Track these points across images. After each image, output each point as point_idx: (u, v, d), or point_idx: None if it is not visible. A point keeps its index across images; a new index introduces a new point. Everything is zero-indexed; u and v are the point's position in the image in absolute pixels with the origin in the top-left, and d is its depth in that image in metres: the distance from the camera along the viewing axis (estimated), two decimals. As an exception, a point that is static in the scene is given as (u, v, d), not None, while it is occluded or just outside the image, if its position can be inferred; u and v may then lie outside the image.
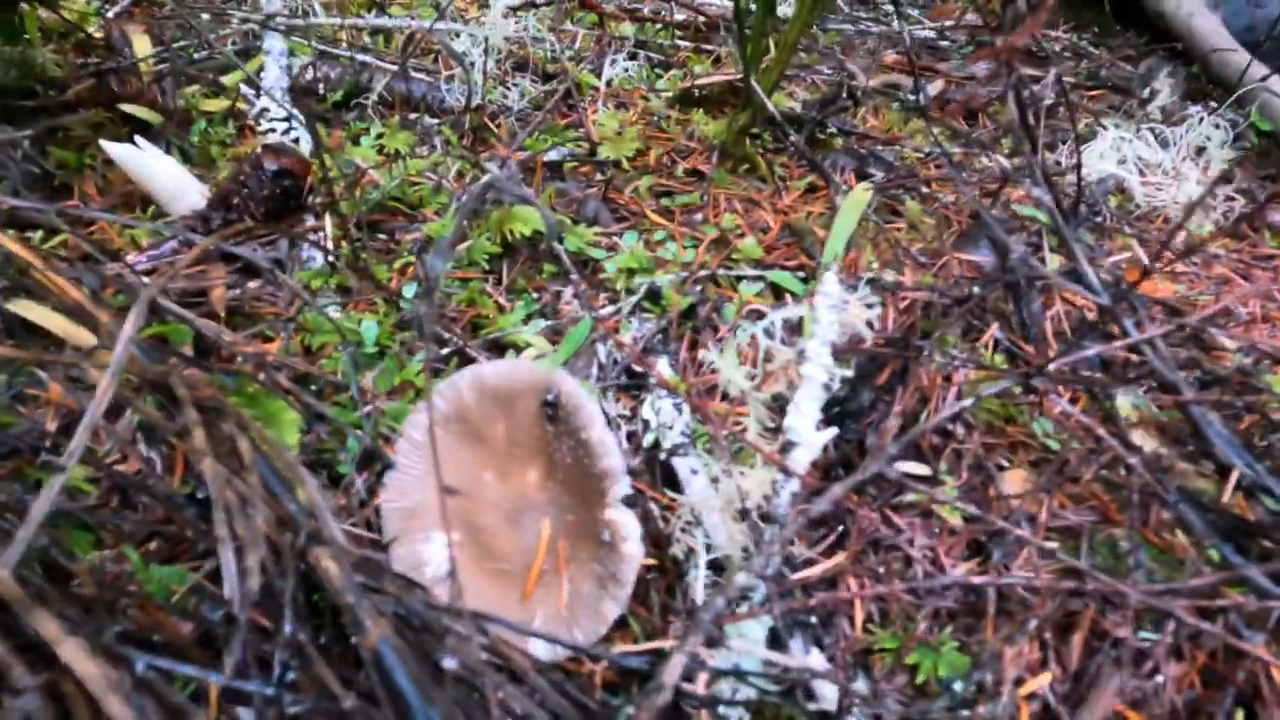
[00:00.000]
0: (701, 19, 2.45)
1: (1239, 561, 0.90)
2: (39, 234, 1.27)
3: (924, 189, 1.90)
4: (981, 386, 1.07)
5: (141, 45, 1.59)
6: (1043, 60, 2.91)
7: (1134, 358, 1.29)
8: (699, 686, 0.85)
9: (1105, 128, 2.09)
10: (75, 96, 1.49)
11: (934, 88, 2.45)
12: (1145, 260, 1.67)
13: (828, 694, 0.87)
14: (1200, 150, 2.02)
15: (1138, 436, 1.25)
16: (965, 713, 0.91)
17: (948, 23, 2.92)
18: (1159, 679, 0.94)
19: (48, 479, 1.03)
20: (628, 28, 2.32)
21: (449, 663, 0.62)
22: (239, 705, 0.83)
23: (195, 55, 1.63)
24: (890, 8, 3.16)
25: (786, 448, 0.92)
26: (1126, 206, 1.96)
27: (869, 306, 0.94)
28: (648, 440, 1.18)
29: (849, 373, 0.95)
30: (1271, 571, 0.88)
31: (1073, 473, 1.19)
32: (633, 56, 2.20)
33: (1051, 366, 0.93)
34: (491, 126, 1.73)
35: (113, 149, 1.28)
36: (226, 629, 0.84)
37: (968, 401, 0.95)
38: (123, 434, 1.09)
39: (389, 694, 0.67)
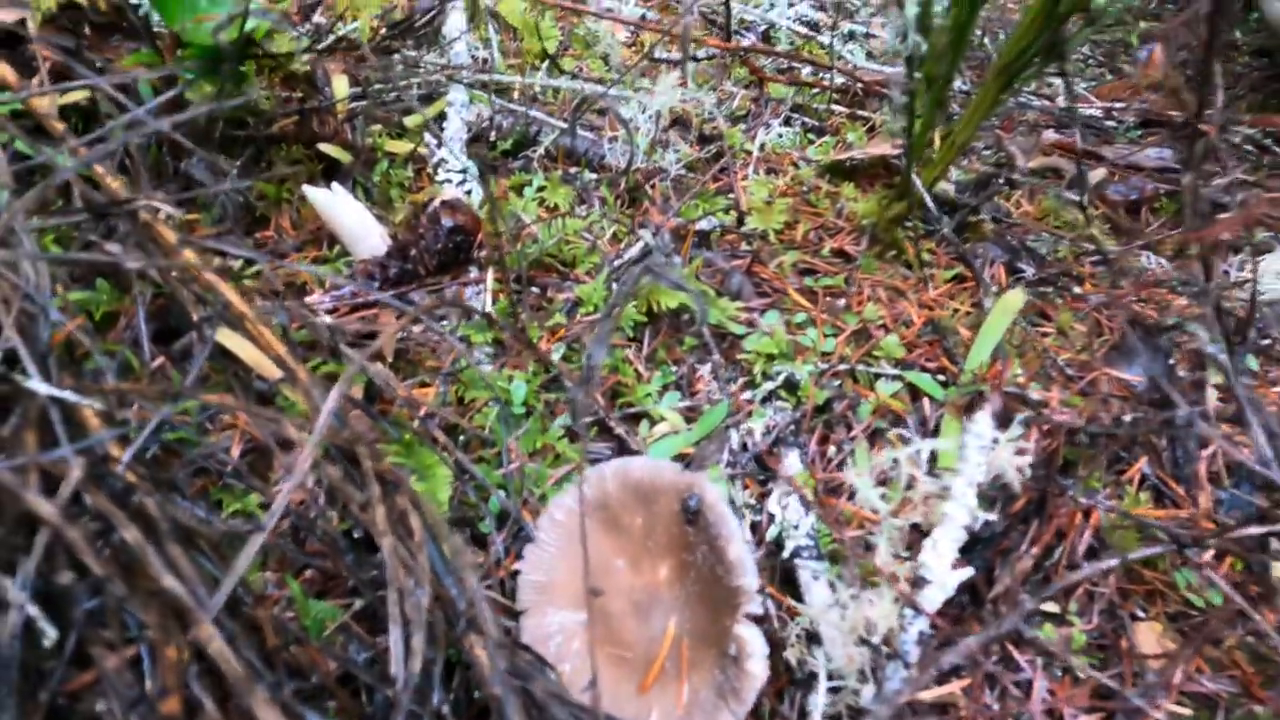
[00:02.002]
0: (859, 84, 2.44)
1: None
2: (239, 262, 1.40)
3: (1077, 289, 1.84)
4: (1128, 542, 1.03)
5: (340, 85, 1.73)
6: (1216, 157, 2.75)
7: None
8: (805, 813, 0.86)
9: (1285, 243, 1.97)
10: (280, 130, 1.63)
11: (1096, 175, 2.36)
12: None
13: (933, 842, 0.87)
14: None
15: (1292, 605, 1.18)
16: None
17: (1117, 104, 2.80)
18: None
19: (230, 502, 1.14)
20: (785, 89, 2.34)
21: (589, 783, 0.66)
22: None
23: (386, 99, 1.76)
24: (1057, 80, 3.06)
25: (919, 583, 0.92)
26: (1301, 331, 1.84)
27: (1019, 453, 0.93)
28: (770, 533, 1.20)
29: (993, 516, 0.94)
30: None
31: (1214, 634, 1.14)
32: (787, 121, 2.22)
33: (1211, 541, 0.90)
34: (647, 188, 1.79)
35: (311, 193, 1.40)
36: (375, 677, 0.91)
37: (1112, 562, 0.93)
38: (292, 471, 1.19)
39: (523, 788, 0.72)
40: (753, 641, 0.89)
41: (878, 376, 1.42)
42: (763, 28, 2.73)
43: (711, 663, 0.91)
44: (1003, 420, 1.06)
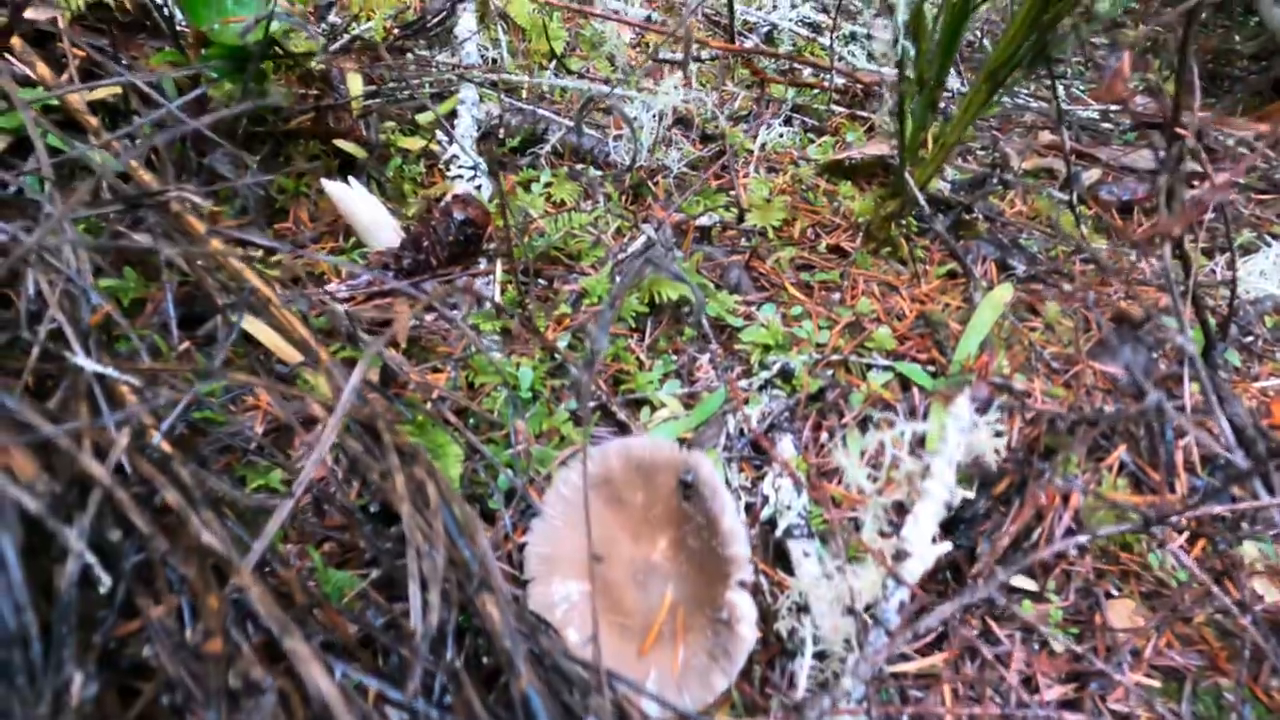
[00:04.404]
0: (859, 85, 2.50)
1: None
2: (261, 251, 1.47)
3: (1067, 286, 1.90)
4: (1099, 520, 1.09)
5: (354, 84, 1.79)
6: (1212, 153, 2.80)
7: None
8: (791, 767, 0.93)
9: (1269, 242, 2.02)
10: (297, 126, 1.70)
11: (1090, 176, 2.41)
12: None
13: (910, 795, 0.93)
14: (1373, 280, 1.93)
15: (1260, 584, 1.24)
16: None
17: (1113, 106, 2.86)
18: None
19: (254, 478, 1.20)
20: (786, 90, 2.40)
21: (591, 723, 0.72)
22: (387, 704, 0.97)
23: (399, 97, 1.82)
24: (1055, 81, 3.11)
25: (900, 556, 0.98)
26: (1283, 329, 1.90)
27: (997, 434, 0.99)
28: (764, 514, 1.26)
29: (970, 494, 1.00)
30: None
31: (1185, 612, 1.20)
32: (788, 121, 2.28)
33: (1175, 518, 0.96)
34: (650, 184, 1.85)
35: (328, 186, 1.46)
36: (393, 640, 0.98)
37: (1084, 538, 0.99)
38: (316, 445, 1.25)
39: (530, 732, 0.78)
40: (743, 606, 0.95)
41: (869, 367, 1.48)
42: (766, 29, 2.80)
43: (705, 627, 0.97)
44: (986, 406, 1.12)
